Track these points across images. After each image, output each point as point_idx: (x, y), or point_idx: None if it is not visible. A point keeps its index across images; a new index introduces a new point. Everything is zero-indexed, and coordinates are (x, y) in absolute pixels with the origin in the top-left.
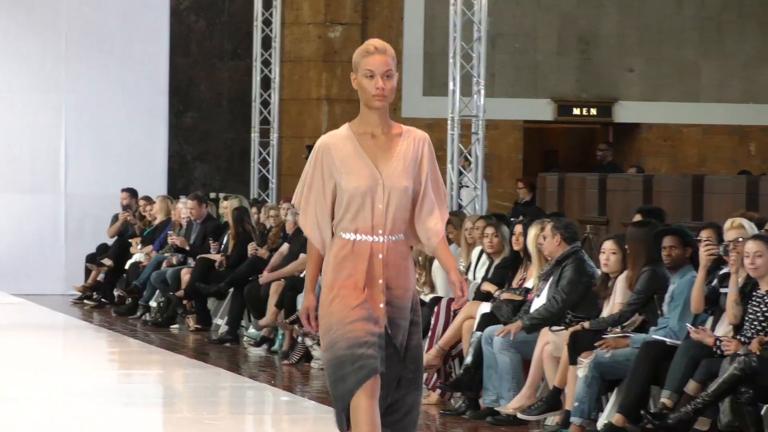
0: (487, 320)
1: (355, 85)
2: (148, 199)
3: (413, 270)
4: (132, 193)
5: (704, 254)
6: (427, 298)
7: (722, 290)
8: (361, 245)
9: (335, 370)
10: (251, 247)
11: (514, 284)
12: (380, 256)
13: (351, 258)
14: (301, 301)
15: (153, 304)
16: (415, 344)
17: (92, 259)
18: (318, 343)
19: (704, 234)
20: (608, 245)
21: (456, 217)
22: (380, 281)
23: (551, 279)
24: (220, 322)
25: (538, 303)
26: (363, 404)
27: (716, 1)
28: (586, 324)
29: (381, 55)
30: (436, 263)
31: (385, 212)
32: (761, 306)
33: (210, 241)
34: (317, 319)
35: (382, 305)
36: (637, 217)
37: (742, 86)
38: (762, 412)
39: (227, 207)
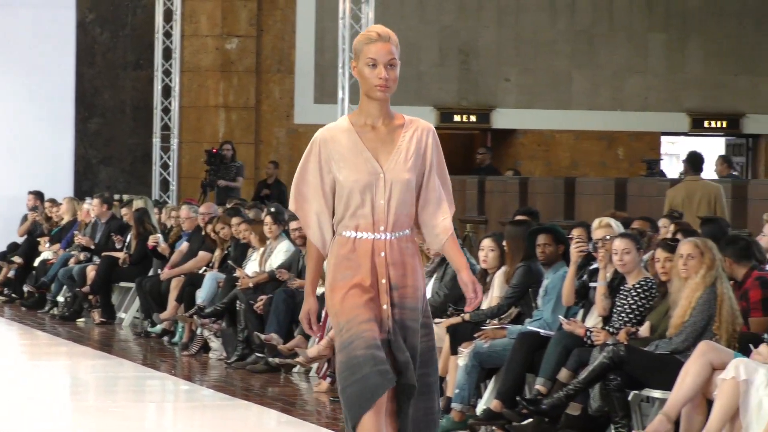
0: None
1: (356, 73)
2: (54, 201)
3: (422, 268)
4: (38, 195)
5: (574, 251)
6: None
7: (591, 284)
8: (363, 243)
9: (353, 372)
10: (152, 239)
11: None
12: (382, 254)
13: (353, 257)
14: (200, 296)
15: (60, 299)
16: (427, 347)
17: (3, 256)
18: (215, 335)
19: (575, 232)
20: (486, 243)
21: None
22: (383, 281)
23: (435, 275)
24: (124, 316)
25: None
26: (368, 422)
27: (587, 15)
28: (467, 316)
29: (384, 43)
30: None
31: (387, 208)
32: (628, 299)
33: (113, 236)
34: (318, 323)
35: (386, 307)
36: (517, 217)
37: (611, 95)
38: (629, 398)
39: (127, 213)
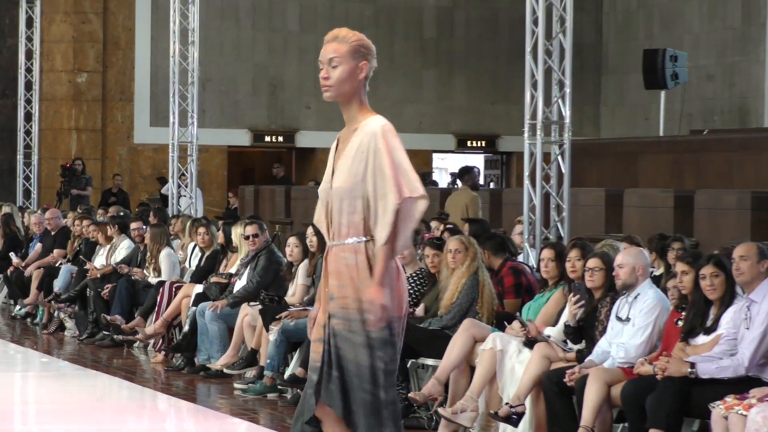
0: (200, 298)
1: None
2: None
3: (368, 278)
4: None
5: None
6: (154, 281)
7: None
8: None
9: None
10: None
11: (221, 270)
12: (327, 263)
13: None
14: (57, 284)
15: None
16: (371, 366)
17: None
18: (69, 317)
19: None
20: (292, 240)
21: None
22: (326, 289)
23: (249, 266)
24: None
25: (239, 285)
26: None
27: None
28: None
29: (329, 44)
30: (164, 252)
31: (331, 215)
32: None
33: None
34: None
35: (323, 316)
36: None
37: (391, 119)
38: (408, 366)
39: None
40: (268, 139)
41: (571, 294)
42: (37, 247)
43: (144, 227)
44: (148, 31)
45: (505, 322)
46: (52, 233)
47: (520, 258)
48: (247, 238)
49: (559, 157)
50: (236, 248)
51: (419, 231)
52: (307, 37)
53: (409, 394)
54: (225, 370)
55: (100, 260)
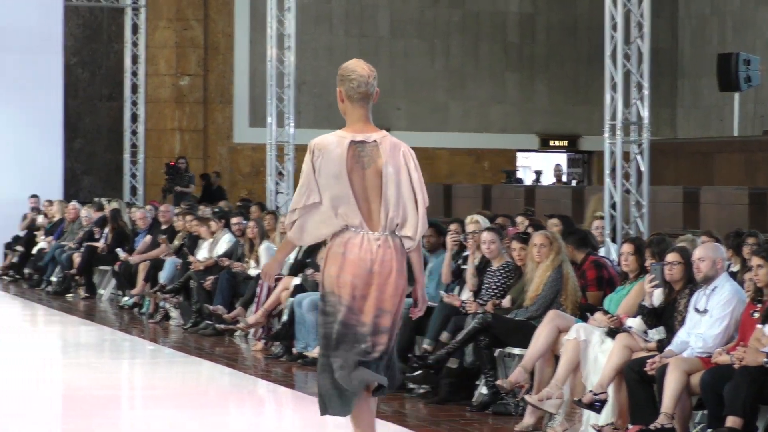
0: (298, 289)
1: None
2: (50, 202)
3: (325, 264)
4: (37, 198)
5: (449, 241)
6: (253, 273)
7: (463, 267)
8: None
9: None
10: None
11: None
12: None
13: None
14: (162, 276)
15: (53, 279)
16: None
17: (9, 246)
18: (174, 307)
19: (451, 227)
20: None
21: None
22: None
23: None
24: (103, 292)
25: None
26: None
27: (459, 59)
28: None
29: None
30: (263, 245)
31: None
32: (494, 278)
33: (94, 229)
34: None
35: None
36: None
37: (478, 120)
38: (495, 354)
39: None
40: None
41: (647, 275)
42: (146, 239)
43: (244, 222)
44: (247, 37)
45: (588, 314)
46: (163, 227)
47: (602, 252)
48: None
49: (638, 156)
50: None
51: (504, 226)
52: (397, 43)
53: (497, 382)
54: None
55: (202, 253)
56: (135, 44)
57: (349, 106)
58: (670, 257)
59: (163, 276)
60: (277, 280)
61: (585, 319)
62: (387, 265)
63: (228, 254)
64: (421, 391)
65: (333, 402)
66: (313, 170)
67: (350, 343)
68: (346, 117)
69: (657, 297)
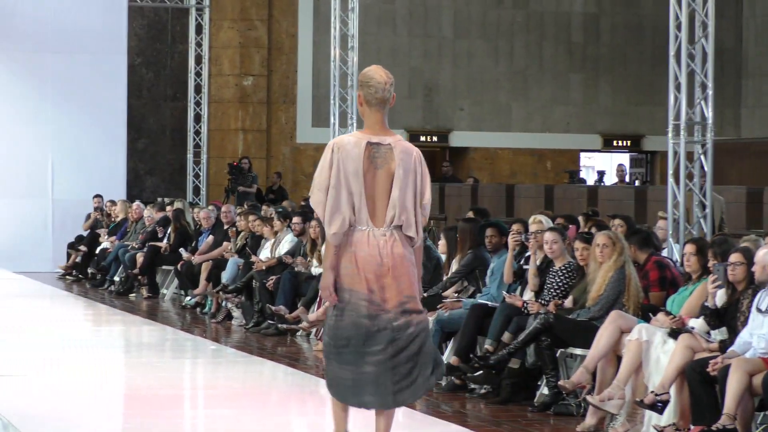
0: None
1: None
2: (113, 202)
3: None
4: (100, 198)
5: (511, 241)
6: (315, 272)
7: (525, 267)
8: None
9: None
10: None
11: None
12: None
13: None
14: (225, 276)
15: (116, 278)
16: None
17: (72, 245)
18: (236, 307)
19: (514, 227)
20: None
21: None
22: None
23: None
24: (166, 292)
25: None
26: None
27: (522, 60)
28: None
29: None
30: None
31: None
32: (556, 278)
33: (157, 228)
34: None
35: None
36: (470, 214)
37: (541, 120)
38: (557, 355)
39: (169, 211)
40: (423, 139)
41: (710, 275)
42: (209, 239)
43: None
44: (310, 37)
45: (650, 314)
46: (225, 227)
47: (664, 252)
48: None
49: (702, 156)
50: None
51: (566, 227)
52: (460, 43)
53: (559, 383)
54: None
55: (264, 253)
56: (199, 44)
57: (367, 110)
58: (733, 258)
59: (225, 276)
60: None
61: (647, 320)
62: (397, 256)
63: (290, 254)
64: (483, 391)
65: (337, 390)
66: (331, 166)
67: (362, 344)
68: (365, 119)
69: (720, 297)
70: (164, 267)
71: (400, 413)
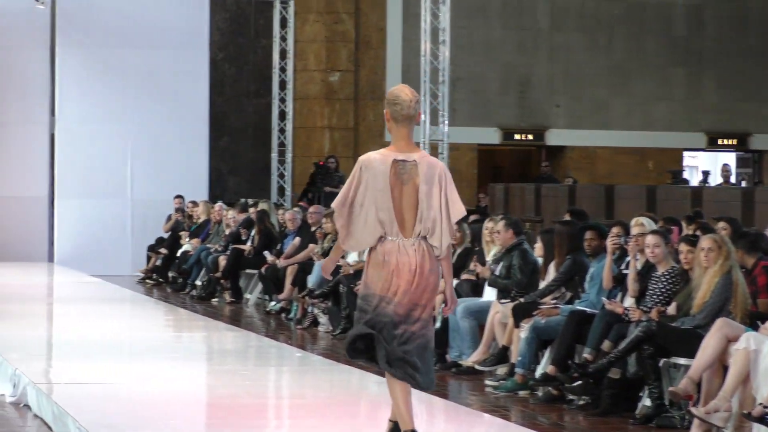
0: None
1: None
2: (195, 203)
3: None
4: (181, 198)
5: (609, 244)
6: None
7: (625, 272)
8: None
9: None
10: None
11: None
12: None
13: None
14: (311, 280)
15: (198, 282)
16: None
17: (152, 248)
18: (323, 313)
19: (614, 230)
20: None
21: None
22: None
23: (502, 263)
24: (249, 296)
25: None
26: None
27: (622, 54)
28: (522, 299)
29: None
30: None
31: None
32: (659, 284)
33: (240, 230)
34: None
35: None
36: (566, 216)
37: (642, 117)
38: (660, 365)
39: (253, 213)
40: (518, 137)
41: None
42: (295, 241)
43: None
44: (400, 31)
45: (759, 322)
46: (312, 229)
47: None
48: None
49: None
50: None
51: (670, 230)
52: (557, 36)
53: (669, 388)
54: (476, 367)
55: (352, 257)
56: (283, 39)
57: (394, 127)
58: None
59: (311, 280)
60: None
61: (755, 328)
62: (426, 265)
63: None
64: (581, 402)
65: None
66: (359, 183)
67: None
68: (392, 135)
69: None
70: (248, 270)
71: (495, 425)
